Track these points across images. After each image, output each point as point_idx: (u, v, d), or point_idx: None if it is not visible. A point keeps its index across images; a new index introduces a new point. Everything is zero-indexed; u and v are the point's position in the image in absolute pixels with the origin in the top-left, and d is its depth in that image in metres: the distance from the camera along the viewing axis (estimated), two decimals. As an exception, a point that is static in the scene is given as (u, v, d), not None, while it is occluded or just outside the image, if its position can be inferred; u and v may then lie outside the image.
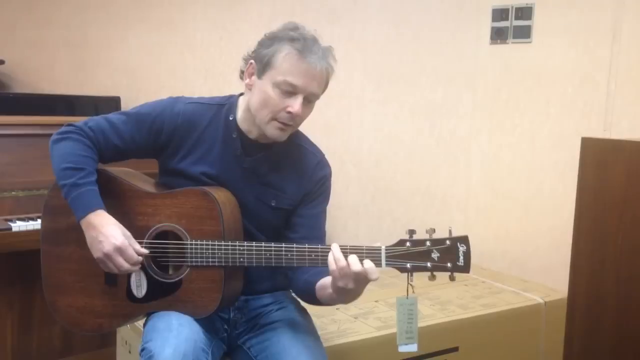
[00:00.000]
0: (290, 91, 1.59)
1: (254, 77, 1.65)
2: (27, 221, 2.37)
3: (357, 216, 3.18)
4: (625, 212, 1.91)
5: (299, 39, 1.58)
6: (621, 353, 1.95)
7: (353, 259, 1.47)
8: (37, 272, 1.75)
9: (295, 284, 1.72)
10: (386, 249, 1.50)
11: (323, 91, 1.66)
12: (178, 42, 3.72)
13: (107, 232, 1.55)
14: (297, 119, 1.62)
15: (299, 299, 1.79)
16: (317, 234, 1.74)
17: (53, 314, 1.74)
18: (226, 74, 3.46)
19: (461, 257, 1.49)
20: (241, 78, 1.70)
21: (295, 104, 1.58)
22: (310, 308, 1.80)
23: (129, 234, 1.60)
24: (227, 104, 1.72)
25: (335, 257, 1.48)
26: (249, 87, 1.67)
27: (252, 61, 1.65)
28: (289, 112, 1.59)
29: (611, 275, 1.95)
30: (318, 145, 1.81)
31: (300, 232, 1.73)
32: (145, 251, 1.61)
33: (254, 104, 1.64)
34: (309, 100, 1.62)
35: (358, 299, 1.57)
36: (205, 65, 3.61)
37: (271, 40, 1.62)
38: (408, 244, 1.50)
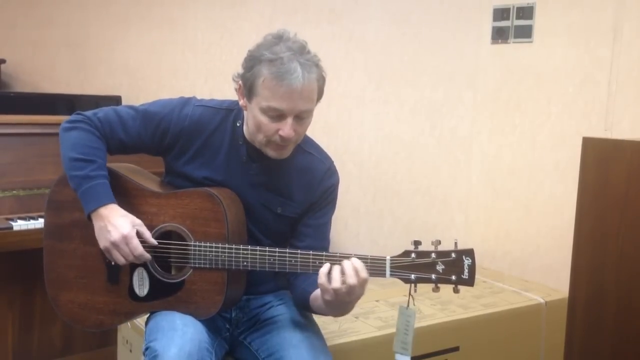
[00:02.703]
0: (277, 115, 1.55)
1: (245, 99, 1.62)
2: (28, 220, 2.37)
3: (358, 216, 3.18)
4: (626, 211, 1.91)
5: (275, 60, 1.52)
6: (622, 353, 1.95)
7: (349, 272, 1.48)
8: (38, 271, 1.75)
9: (294, 291, 1.72)
10: (391, 260, 1.50)
11: (316, 102, 1.61)
12: (179, 41, 3.71)
13: (116, 222, 1.56)
14: (293, 137, 1.59)
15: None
16: (322, 244, 1.73)
17: (54, 309, 1.74)
18: (227, 73, 3.42)
19: (466, 270, 1.48)
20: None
21: (285, 128, 1.56)
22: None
23: (139, 221, 1.60)
24: (235, 109, 1.71)
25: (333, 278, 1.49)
26: (244, 108, 1.65)
27: (240, 83, 1.62)
28: (281, 136, 1.57)
29: (612, 275, 1.95)
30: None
31: (306, 242, 1.72)
32: (154, 242, 1.61)
33: (250, 127, 1.62)
34: (301, 118, 1.58)
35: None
36: (206, 64, 3.61)
37: (251, 61, 1.57)
38: (413, 255, 1.50)
